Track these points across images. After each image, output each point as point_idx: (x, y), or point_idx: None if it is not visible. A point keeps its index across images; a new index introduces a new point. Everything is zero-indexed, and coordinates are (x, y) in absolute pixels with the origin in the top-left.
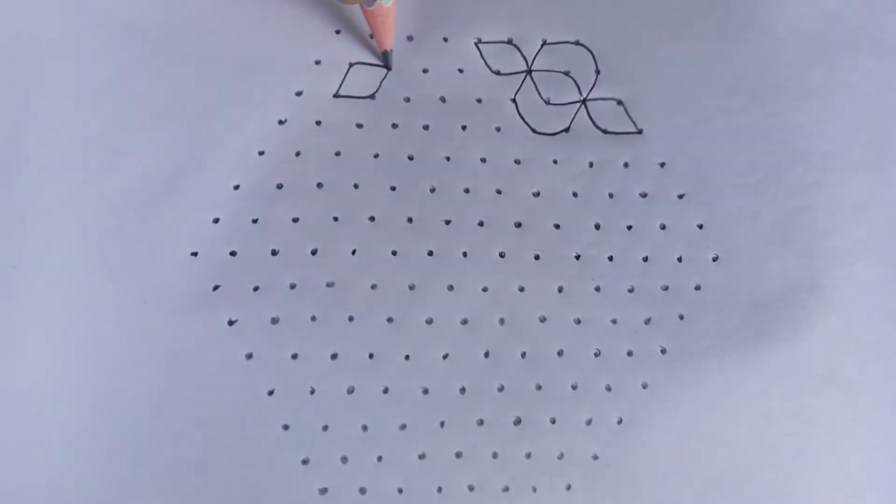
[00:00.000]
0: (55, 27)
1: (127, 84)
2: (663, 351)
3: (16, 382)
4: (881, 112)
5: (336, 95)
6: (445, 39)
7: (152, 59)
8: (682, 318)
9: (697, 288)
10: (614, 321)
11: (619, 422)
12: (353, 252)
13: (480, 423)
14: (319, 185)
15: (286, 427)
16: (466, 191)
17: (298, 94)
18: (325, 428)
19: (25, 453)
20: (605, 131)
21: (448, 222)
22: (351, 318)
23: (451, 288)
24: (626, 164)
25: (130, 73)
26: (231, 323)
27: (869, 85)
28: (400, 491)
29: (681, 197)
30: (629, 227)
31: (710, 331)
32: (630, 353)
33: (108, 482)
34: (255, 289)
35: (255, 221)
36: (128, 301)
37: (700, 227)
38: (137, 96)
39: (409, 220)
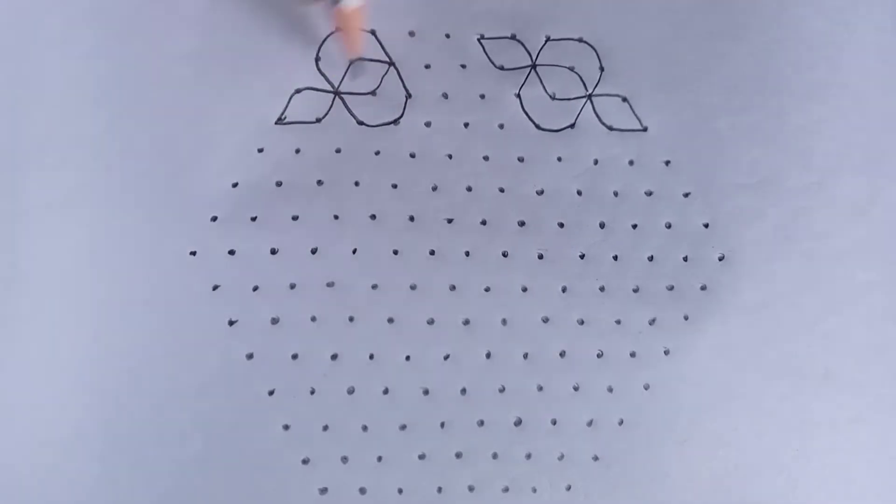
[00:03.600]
0: (55, 27)
1: (127, 83)
2: (667, 352)
3: (16, 382)
4: (882, 113)
5: (336, 92)
6: (447, 36)
7: (151, 58)
8: (686, 318)
9: (703, 288)
10: (618, 321)
11: (621, 423)
12: (354, 251)
13: (481, 423)
14: (319, 182)
15: (286, 427)
16: (469, 189)
17: (298, 91)
18: (326, 428)
19: (25, 453)
20: (610, 128)
21: (450, 221)
22: (351, 319)
23: (452, 288)
24: (631, 162)
25: (130, 72)
26: (231, 323)
27: (870, 86)
28: (400, 491)
29: (686, 196)
30: (634, 226)
31: (714, 331)
32: (633, 355)
33: (108, 482)
34: (255, 288)
35: (253, 219)
36: (128, 301)
37: (706, 226)
38: (137, 95)
39: (411, 218)
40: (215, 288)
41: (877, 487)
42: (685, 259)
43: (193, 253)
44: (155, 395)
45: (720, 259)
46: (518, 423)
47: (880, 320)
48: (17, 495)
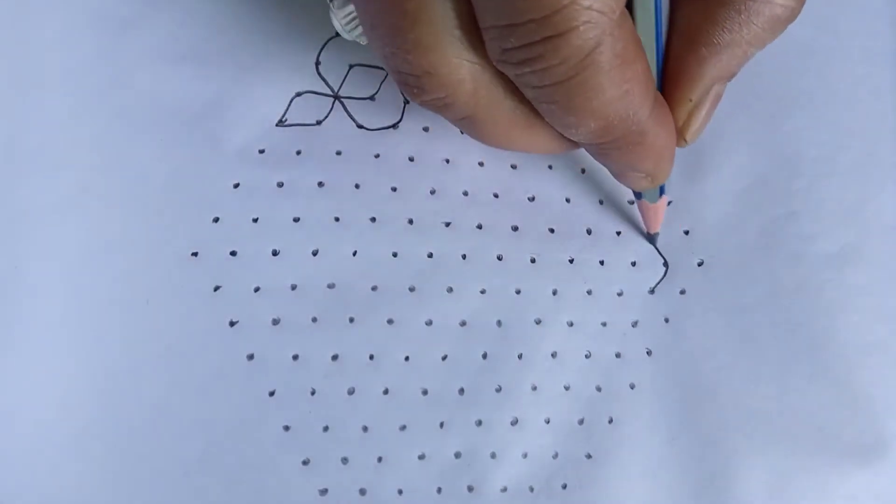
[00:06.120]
0: (55, 27)
1: (127, 84)
2: (649, 353)
3: (16, 382)
4: (872, 117)
5: (336, 96)
6: None
7: (152, 59)
8: (667, 321)
9: (682, 292)
10: (604, 324)
11: (610, 421)
12: (354, 253)
13: (479, 423)
14: (320, 184)
15: (287, 428)
16: (465, 193)
17: (299, 94)
18: (326, 429)
19: (26, 454)
20: None
21: (447, 224)
22: (351, 320)
23: (450, 290)
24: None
25: (130, 72)
26: (232, 324)
27: (860, 91)
28: (400, 492)
29: (668, 203)
30: (618, 233)
31: (693, 333)
32: (618, 355)
33: (108, 482)
34: (256, 289)
35: (255, 221)
36: (129, 302)
37: (686, 233)
38: (137, 96)
39: (410, 221)
40: (216, 289)
41: (874, 490)
42: (665, 265)
43: (195, 254)
44: (155, 395)
45: (699, 264)
46: (514, 422)
47: (869, 322)
48: (17, 495)
